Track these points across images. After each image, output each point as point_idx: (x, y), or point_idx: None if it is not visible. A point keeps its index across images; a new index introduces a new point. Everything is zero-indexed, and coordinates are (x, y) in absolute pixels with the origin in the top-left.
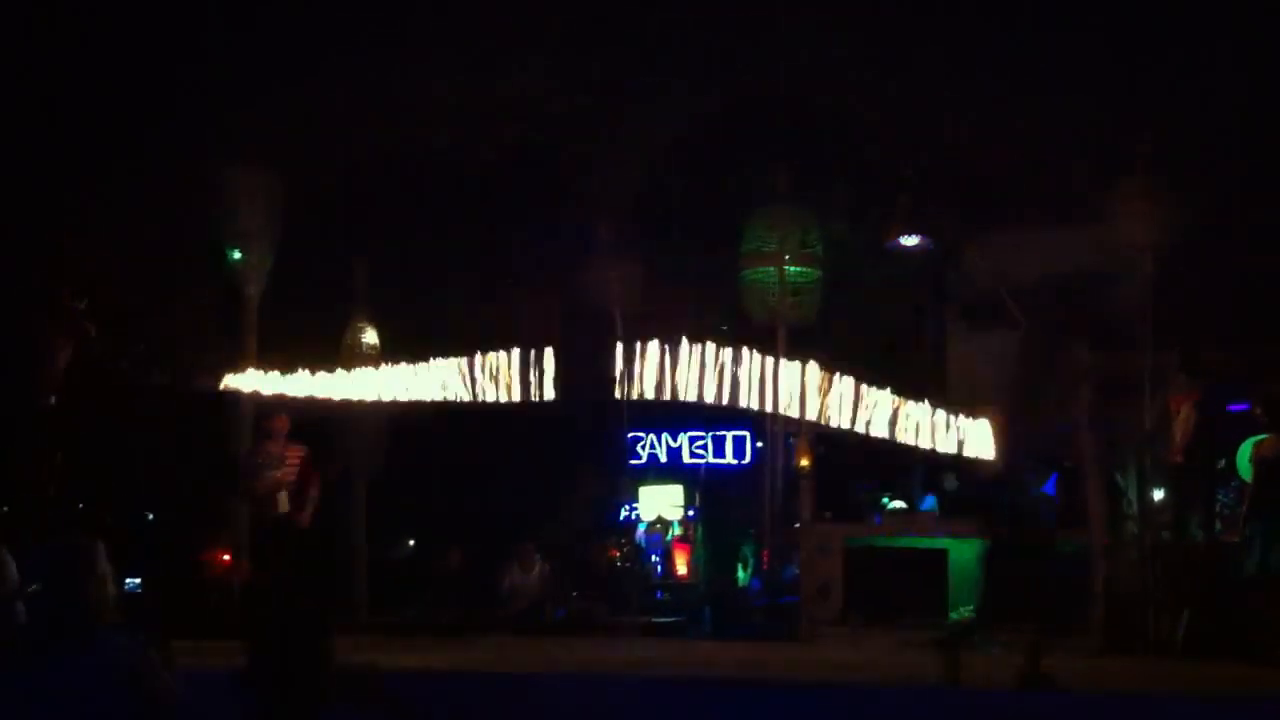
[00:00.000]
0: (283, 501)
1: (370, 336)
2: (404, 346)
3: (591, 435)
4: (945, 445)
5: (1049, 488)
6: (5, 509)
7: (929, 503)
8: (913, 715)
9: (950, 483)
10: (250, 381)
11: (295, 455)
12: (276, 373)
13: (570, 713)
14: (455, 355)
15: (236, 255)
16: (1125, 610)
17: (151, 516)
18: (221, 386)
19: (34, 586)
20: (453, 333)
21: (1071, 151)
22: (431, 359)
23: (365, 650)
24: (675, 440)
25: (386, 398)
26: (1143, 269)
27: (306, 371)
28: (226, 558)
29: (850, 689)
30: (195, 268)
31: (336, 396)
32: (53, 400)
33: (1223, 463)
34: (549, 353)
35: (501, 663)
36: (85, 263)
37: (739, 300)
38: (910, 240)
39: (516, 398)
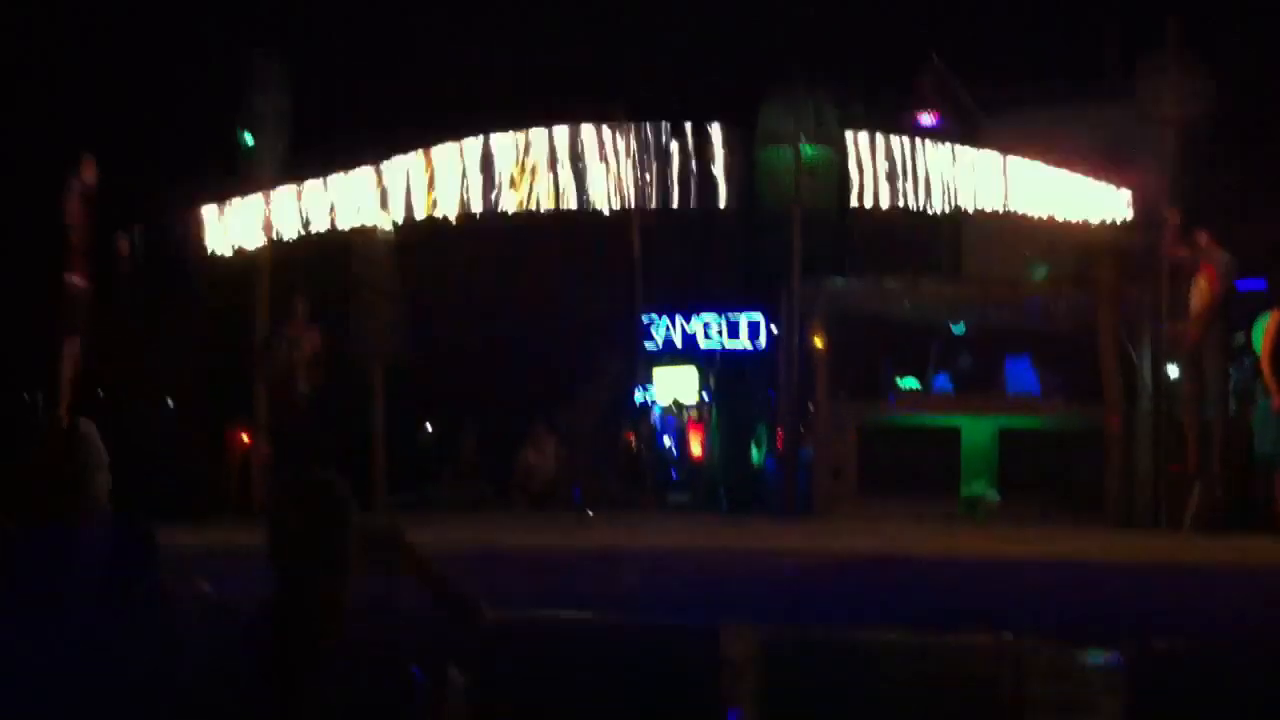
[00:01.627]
0: (303, 380)
1: (383, 222)
2: (417, 226)
3: (609, 318)
4: None
5: (1026, 368)
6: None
7: (942, 381)
8: (924, 585)
9: (965, 361)
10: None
11: (313, 335)
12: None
13: (584, 584)
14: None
15: (249, 138)
16: (1138, 484)
17: (170, 402)
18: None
19: None
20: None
21: (1097, 25)
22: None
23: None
24: (690, 324)
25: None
26: (1166, 144)
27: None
28: (245, 438)
29: (861, 560)
30: (207, 151)
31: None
32: (77, 281)
33: (1239, 338)
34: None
35: (516, 539)
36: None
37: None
38: (929, 119)
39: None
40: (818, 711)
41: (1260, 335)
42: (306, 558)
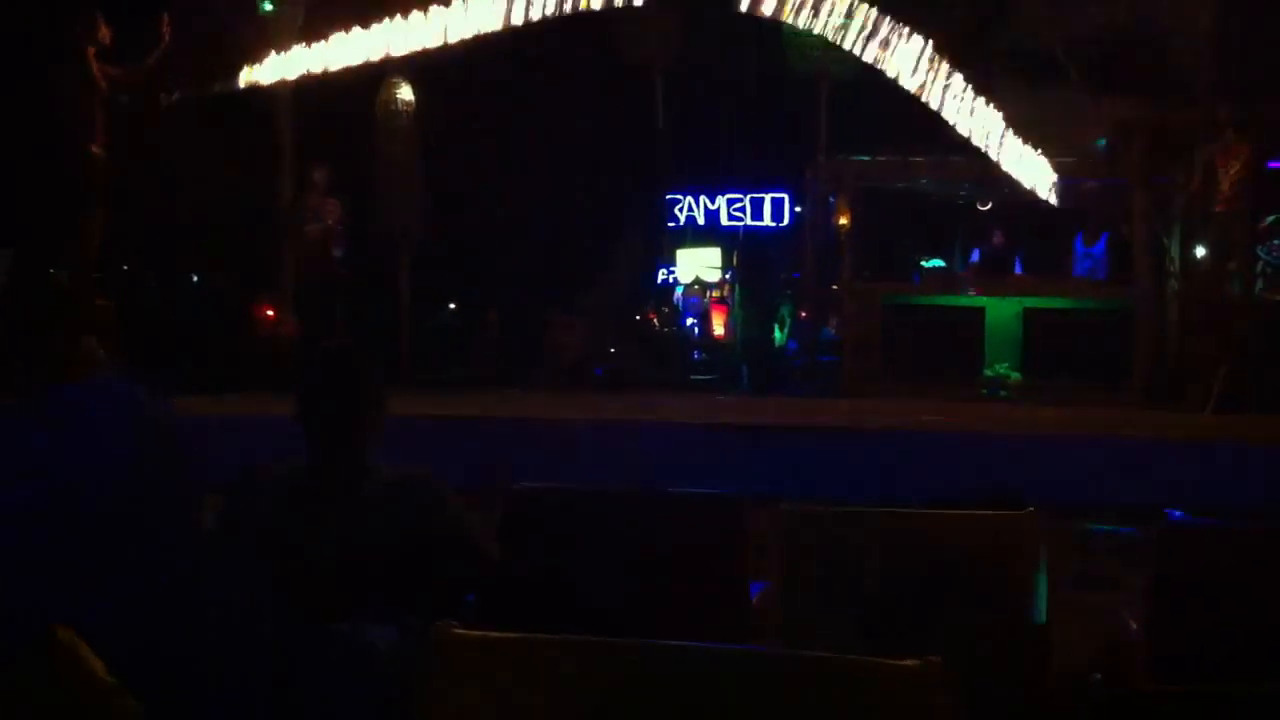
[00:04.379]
0: (333, 250)
1: (405, 92)
2: (440, 102)
3: (633, 196)
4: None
5: (1099, 248)
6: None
7: (971, 259)
8: (945, 460)
9: (996, 238)
10: (271, 70)
11: (333, 207)
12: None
13: (604, 453)
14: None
15: (269, 6)
16: (1163, 364)
17: (196, 278)
18: (243, 83)
19: None
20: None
21: None
22: None
23: (408, 404)
24: (713, 203)
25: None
26: (1201, 20)
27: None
28: (271, 313)
29: (882, 436)
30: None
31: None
32: (96, 150)
33: (1270, 219)
34: None
35: (539, 411)
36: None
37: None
38: None
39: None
40: (839, 585)
41: None
42: (335, 425)
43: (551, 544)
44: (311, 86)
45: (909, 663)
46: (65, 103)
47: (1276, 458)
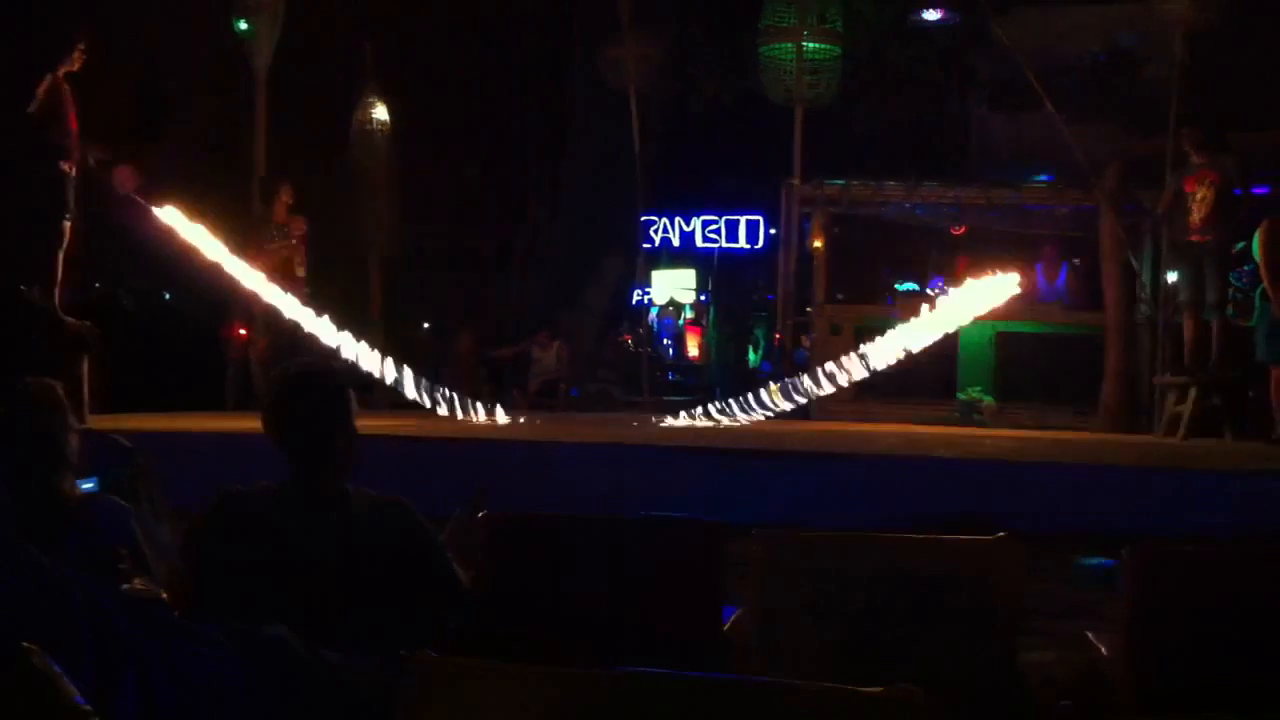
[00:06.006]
0: (299, 268)
1: (380, 113)
2: (414, 123)
3: (613, 219)
4: None
5: (1061, 279)
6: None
7: (939, 284)
8: (920, 485)
9: (965, 262)
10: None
11: (299, 226)
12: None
13: (579, 475)
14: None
15: (244, 26)
16: (1134, 390)
17: (168, 296)
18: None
19: None
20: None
21: None
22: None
23: (381, 424)
24: (688, 224)
25: None
26: (1174, 48)
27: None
28: (243, 333)
29: (857, 460)
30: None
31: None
32: (66, 169)
33: (1239, 246)
34: None
35: (514, 433)
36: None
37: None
38: (935, 15)
39: None
40: (814, 610)
41: (1256, 245)
42: (310, 445)
43: (526, 570)
44: (286, 103)
45: (884, 691)
46: (36, 121)
47: (1248, 483)
